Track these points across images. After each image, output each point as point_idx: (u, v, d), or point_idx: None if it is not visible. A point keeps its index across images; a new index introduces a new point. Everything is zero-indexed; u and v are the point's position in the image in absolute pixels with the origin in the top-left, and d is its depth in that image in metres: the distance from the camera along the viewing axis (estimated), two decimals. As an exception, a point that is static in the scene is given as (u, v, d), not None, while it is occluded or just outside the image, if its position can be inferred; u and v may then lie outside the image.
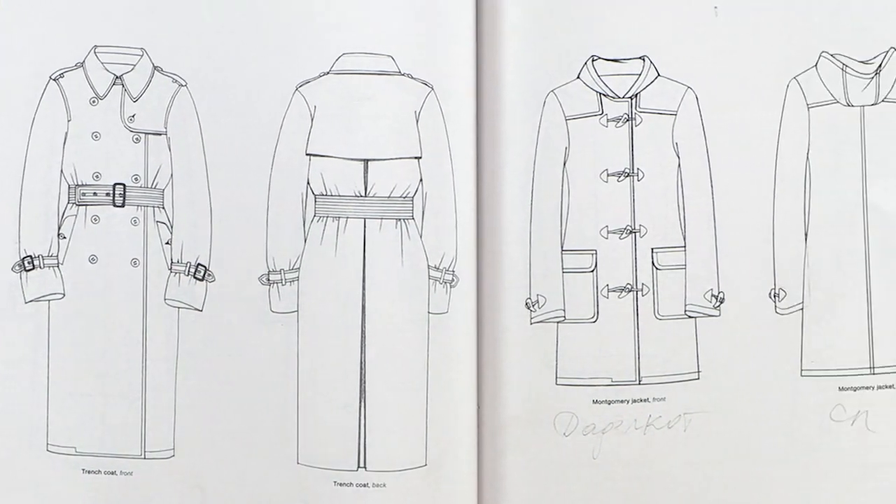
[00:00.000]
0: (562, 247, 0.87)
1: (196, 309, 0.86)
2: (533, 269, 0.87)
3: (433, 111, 0.86)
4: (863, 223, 0.87)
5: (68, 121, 0.87)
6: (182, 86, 0.87)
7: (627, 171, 0.88)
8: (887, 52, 0.88)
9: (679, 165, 0.88)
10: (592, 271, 0.87)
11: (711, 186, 0.87)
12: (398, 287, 0.86)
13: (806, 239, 0.88)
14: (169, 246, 0.87)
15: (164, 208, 0.87)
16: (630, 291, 0.87)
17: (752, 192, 0.87)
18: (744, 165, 0.87)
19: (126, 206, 0.87)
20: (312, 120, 0.86)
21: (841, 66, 0.88)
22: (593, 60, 0.88)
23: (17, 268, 0.86)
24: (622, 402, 0.87)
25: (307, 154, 0.86)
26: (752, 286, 0.87)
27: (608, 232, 0.87)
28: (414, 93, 0.86)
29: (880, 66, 0.88)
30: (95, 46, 0.87)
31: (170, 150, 0.87)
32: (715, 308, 0.87)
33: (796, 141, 0.88)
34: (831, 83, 0.88)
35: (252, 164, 0.86)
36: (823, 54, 0.88)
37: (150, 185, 0.87)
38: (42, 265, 0.86)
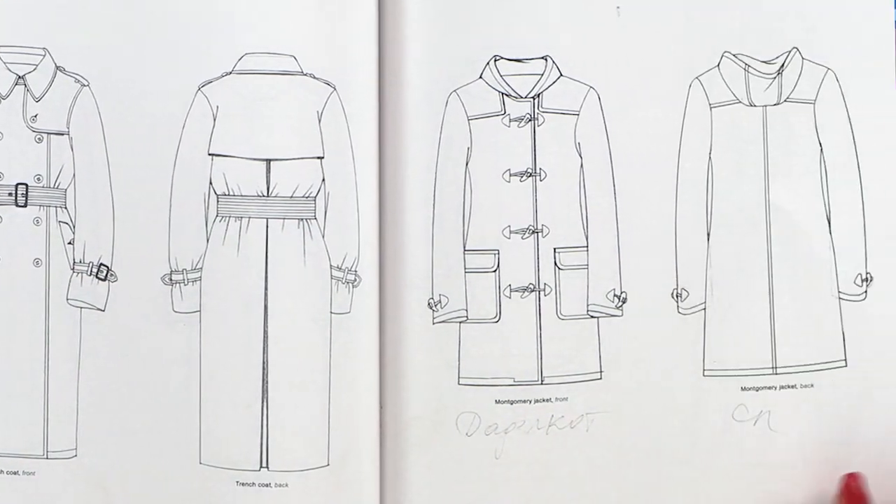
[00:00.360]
0: (464, 247, 0.87)
1: (98, 309, 0.86)
2: (435, 269, 0.87)
3: (335, 111, 0.86)
4: (765, 223, 0.87)
5: (-30, 121, 0.87)
6: (84, 86, 0.87)
7: (530, 170, 0.88)
8: (789, 52, 0.88)
9: (581, 165, 0.88)
10: (495, 271, 0.87)
11: (614, 186, 0.87)
12: (300, 287, 0.86)
13: (708, 239, 0.88)
14: (71, 246, 0.87)
15: (66, 208, 0.87)
16: (532, 291, 0.87)
17: (655, 191, 0.87)
18: (646, 165, 0.87)
19: (28, 206, 0.86)
20: (215, 120, 0.86)
21: (743, 66, 0.88)
22: (496, 60, 0.88)
23: (-82, 268, 0.86)
24: (525, 402, 0.87)
25: (210, 154, 0.86)
26: (655, 286, 0.87)
27: (510, 232, 0.87)
28: (316, 93, 0.86)
29: (782, 66, 0.88)
30: (-2, 46, 0.87)
31: (72, 149, 0.87)
32: (617, 308, 0.87)
33: (698, 141, 0.88)
34: (734, 83, 0.88)
35: (154, 164, 0.86)
36: (726, 54, 0.88)
37: (52, 185, 0.87)
38: (-56, 265, 0.86)
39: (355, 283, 0.86)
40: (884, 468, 0.86)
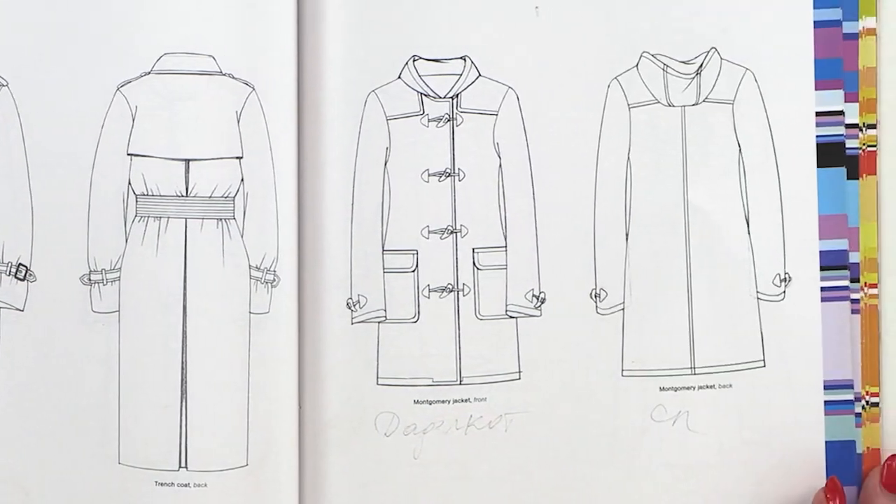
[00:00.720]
0: (383, 247, 0.87)
1: (17, 309, 0.86)
2: (354, 269, 0.87)
3: (254, 111, 0.86)
4: (683, 223, 0.87)
5: None
6: (3, 85, 0.86)
7: (448, 171, 0.88)
8: (708, 52, 0.88)
9: (500, 165, 0.88)
10: (413, 271, 0.87)
11: (532, 186, 0.87)
12: (219, 287, 0.86)
13: (627, 239, 0.88)
14: (-10, 246, 0.87)
15: (-16, 208, 0.87)
16: (451, 291, 0.87)
17: (573, 192, 0.87)
18: (564, 165, 0.87)
19: (-53, 207, 0.87)
20: (133, 120, 0.86)
21: (662, 66, 0.88)
22: (414, 60, 0.88)
23: None
24: (443, 402, 0.87)
25: (128, 154, 0.86)
26: (573, 286, 0.87)
27: (429, 232, 0.87)
28: (235, 93, 0.86)
29: (701, 66, 0.88)
30: (-83, 46, 0.87)
31: (-9, 150, 0.87)
32: (536, 308, 0.87)
33: (617, 141, 0.88)
34: (652, 83, 0.88)
35: (73, 163, 0.86)
36: (644, 54, 0.88)
37: (-30, 185, 0.87)
38: None
39: (274, 284, 0.86)
40: (802, 469, 0.86)
